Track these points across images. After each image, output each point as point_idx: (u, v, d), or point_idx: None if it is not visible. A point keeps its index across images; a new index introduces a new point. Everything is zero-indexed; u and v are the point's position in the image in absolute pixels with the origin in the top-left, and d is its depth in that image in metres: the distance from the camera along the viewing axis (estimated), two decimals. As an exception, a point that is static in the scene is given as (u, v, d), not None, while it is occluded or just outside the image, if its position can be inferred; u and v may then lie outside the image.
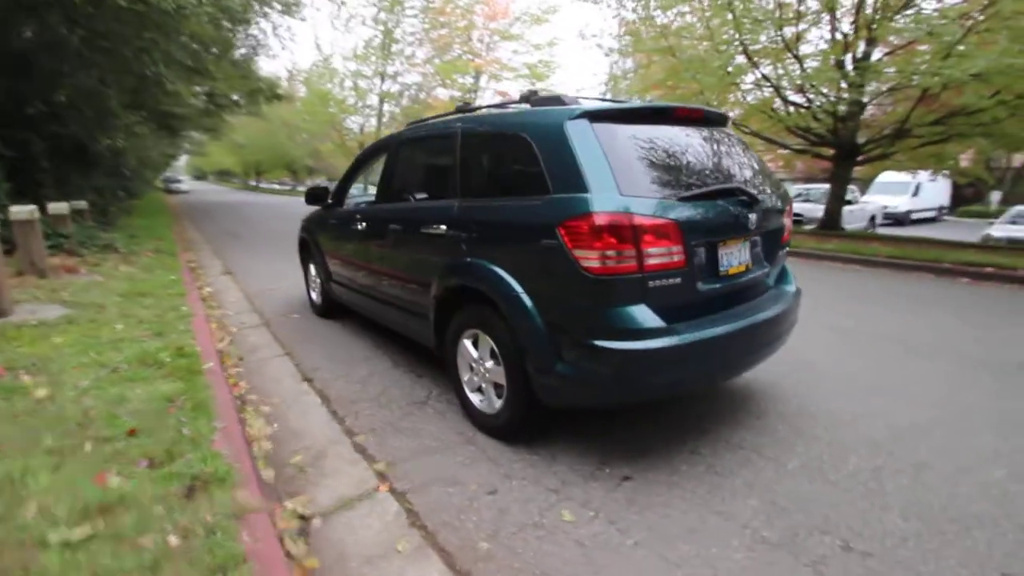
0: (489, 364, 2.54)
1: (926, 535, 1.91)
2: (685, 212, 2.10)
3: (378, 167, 3.92)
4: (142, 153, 15.52)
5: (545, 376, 2.21)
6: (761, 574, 1.73)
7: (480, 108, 3.06)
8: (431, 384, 3.31)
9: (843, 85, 9.61)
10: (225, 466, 2.08)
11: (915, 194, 18.53)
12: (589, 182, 2.02)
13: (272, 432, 2.69)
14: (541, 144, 2.23)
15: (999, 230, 10.98)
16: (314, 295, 5.03)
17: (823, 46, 10.09)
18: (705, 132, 2.48)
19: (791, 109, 10.81)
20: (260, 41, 15.25)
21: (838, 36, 9.81)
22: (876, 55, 9.97)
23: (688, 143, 2.37)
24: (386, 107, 26.41)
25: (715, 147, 2.46)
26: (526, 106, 2.66)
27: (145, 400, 2.67)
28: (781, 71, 10.48)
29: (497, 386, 2.55)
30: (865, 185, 19.14)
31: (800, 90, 10.55)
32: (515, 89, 21.89)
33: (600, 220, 1.96)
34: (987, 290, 6.21)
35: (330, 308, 4.75)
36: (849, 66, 9.61)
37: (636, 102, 2.32)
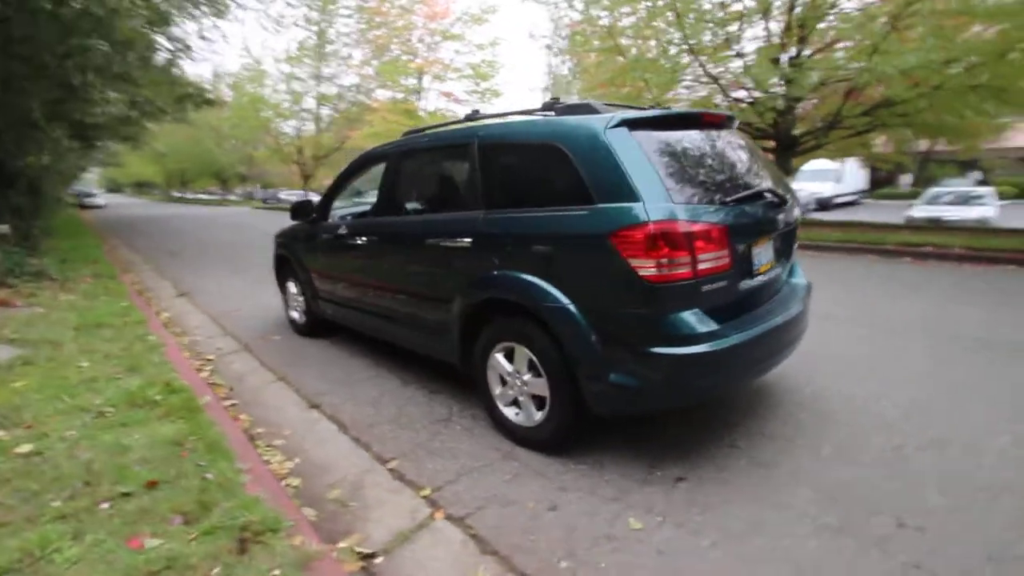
0: (527, 377, 2.50)
1: (965, 506, 2.05)
2: (729, 216, 2.14)
3: (368, 179, 3.77)
4: (60, 167, 14.11)
5: (598, 386, 2.20)
6: (837, 560, 1.80)
7: (489, 117, 3.00)
8: (449, 400, 3.21)
9: (776, 81, 10.21)
10: (271, 512, 1.93)
11: (839, 180, 20.03)
12: (639, 190, 2.02)
13: (295, 467, 2.52)
14: (579, 153, 2.21)
15: (920, 211, 12.06)
16: (295, 314, 4.76)
17: (762, 44, 10.67)
18: (723, 135, 2.55)
19: (733, 105, 11.37)
20: (186, 44, 14.28)
21: (774, 37, 10.40)
22: (810, 53, 10.64)
23: (713, 147, 2.42)
24: (325, 110, 25.48)
25: (734, 149, 2.53)
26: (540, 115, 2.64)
27: (149, 446, 2.42)
28: (722, 68, 11.01)
29: (536, 398, 2.51)
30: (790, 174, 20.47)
31: (742, 87, 11.13)
32: (460, 90, 21.73)
33: (656, 228, 1.96)
34: (930, 269, 6.81)
35: (316, 327, 4.52)
36: (785, 63, 10.25)
37: (663, 110, 2.33)
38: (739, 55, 10.34)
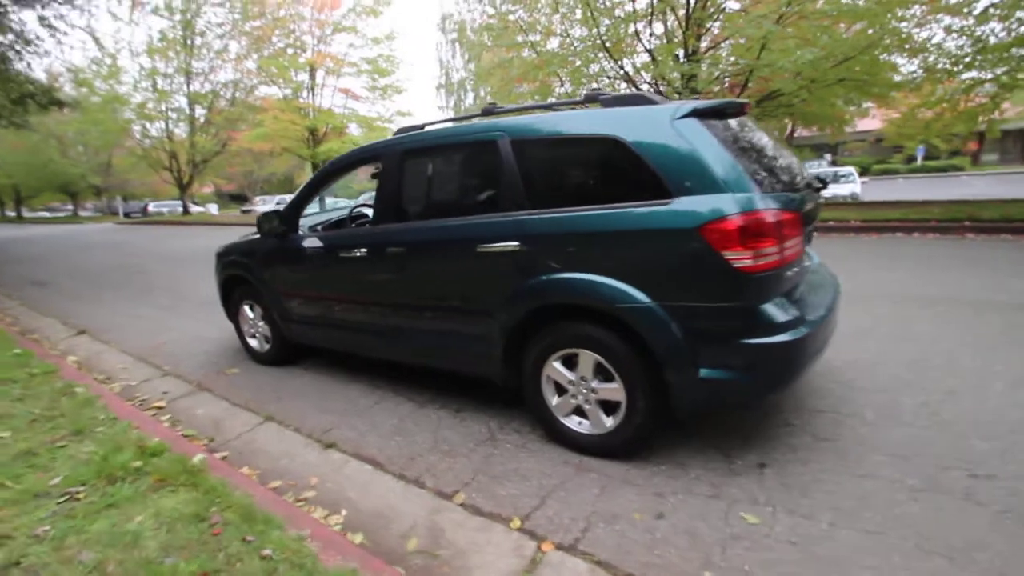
0: (595, 383, 2.37)
1: (1011, 448, 2.29)
2: (795, 202, 2.17)
3: (347, 183, 3.35)
4: None
5: (687, 384, 2.13)
6: (947, 520, 1.90)
7: (508, 112, 2.79)
8: (481, 417, 2.97)
9: (677, 76, 10.93)
10: (379, 583, 1.62)
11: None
12: (725, 181, 1.98)
13: (347, 520, 2.17)
14: (647, 146, 2.11)
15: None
16: (254, 342, 4.15)
17: (664, 41, 11.34)
18: (750, 123, 2.59)
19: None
20: (24, 35, 11.95)
21: (675, 34, 11.09)
22: (706, 49, 11.50)
23: (754, 135, 2.45)
24: (200, 110, 22.83)
25: (762, 135, 2.58)
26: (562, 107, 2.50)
27: (165, 528, 1.94)
28: (630, 64, 11.56)
29: (605, 404, 2.40)
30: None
31: (647, 82, 11.76)
32: (358, 86, 20.61)
33: (749, 218, 1.93)
34: (836, 241, 7.70)
35: (285, 354, 3.98)
36: (683, 60, 10.99)
37: (722, 101, 2.30)
38: (648, 51, 10.87)
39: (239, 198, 44.56)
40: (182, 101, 22.55)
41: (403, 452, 2.67)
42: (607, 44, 10.81)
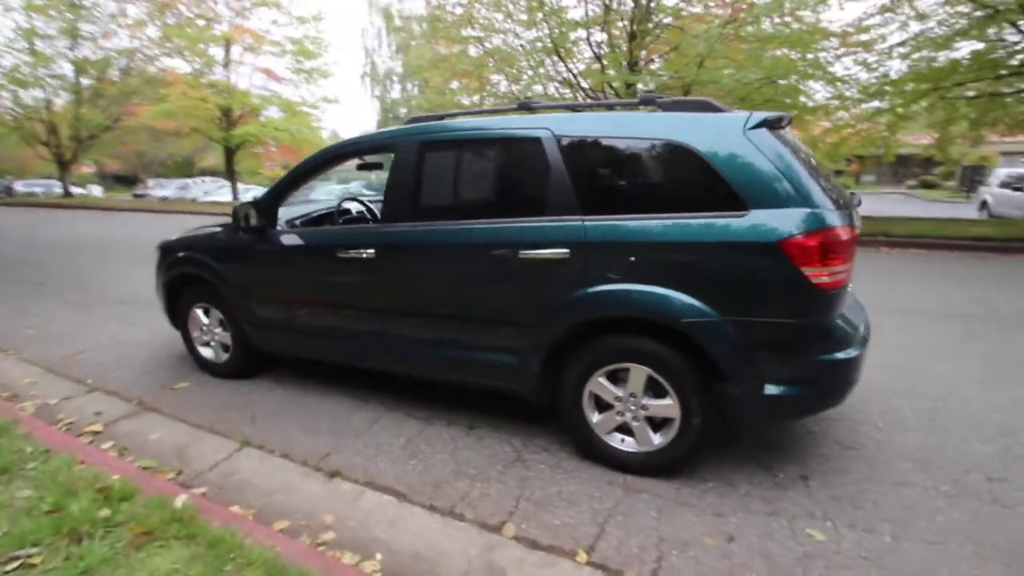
0: (646, 400, 2.26)
1: (1008, 451, 2.49)
2: (854, 220, 2.19)
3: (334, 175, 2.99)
4: None
5: (751, 400, 2.08)
6: (985, 523, 2.01)
7: (547, 107, 2.59)
8: (499, 435, 2.76)
9: (619, 84, 11.24)
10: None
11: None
12: (801, 195, 1.94)
13: (385, 565, 1.88)
14: (719, 154, 2.03)
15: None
16: (207, 352, 3.60)
17: (609, 50, 11.59)
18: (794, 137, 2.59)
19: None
20: None
21: (621, 43, 11.38)
22: (647, 61, 11.91)
23: (804, 149, 2.44)
24: (88, 80, 19.96)
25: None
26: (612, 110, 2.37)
27: (172, 598, 1.55)
28: (576, 69, 11.70)
29: (653, 421, 2.30)
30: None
31: (592, 88, 11.97)
32: (282, 67, 19.10)
33: (830, 234, 1.91)
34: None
35: (249, 365, 3.49)
36: (625, 68, 11.32)
37: (783, 113, 2.26)
38: (597, 57, 11.06)
39: (127, 180, 39.74)
40: (67, 68, 19.58)
41: (425, 479, 2.40)
42: (558, 48, 10.84)
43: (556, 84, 12.49)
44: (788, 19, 10.28)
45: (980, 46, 9.48)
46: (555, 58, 11.21)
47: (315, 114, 20.41)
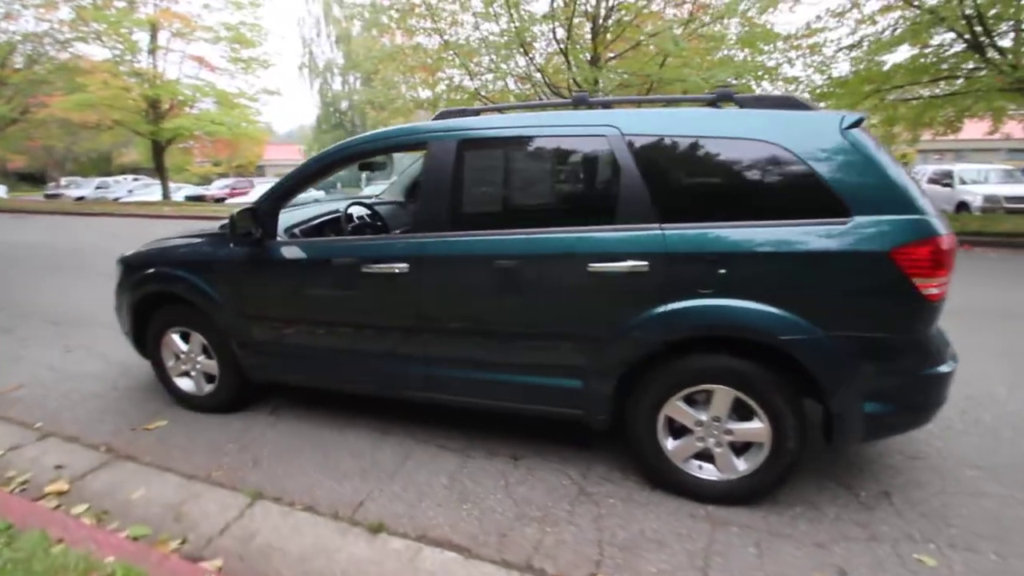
0: (731, 423, 2.08)
1: (1057, 451, 2.52)
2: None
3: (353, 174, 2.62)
4: None
5: (851, 419, 1.95)
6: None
7: (607, 101, 2.34)
8: (548, 464, 2.50)
9: (582, 80, 11.19)
10: None
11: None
12: (910, 200, 1.81)
13: (474, 644, 1.59)
14: (817, 157, 1.87)
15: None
16: (186, 383, 3.10)
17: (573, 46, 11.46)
18: None
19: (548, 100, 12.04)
20: None
21: (586, 40, 11.30)
22: (612, 57, 11.91)
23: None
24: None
25: None
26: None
27: None
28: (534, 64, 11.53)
29: (735, 446, 2.12)
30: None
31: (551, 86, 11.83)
32: (216, 55, 17.67)
33: (940, 243, 1.80)
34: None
35: (240, 395, 3.03)
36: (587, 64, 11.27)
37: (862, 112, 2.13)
38: (562, 52, 10.92)
39: (35, 179, 35.87)
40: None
41: (486, 527, 2.10)
42: (523, 42, 10.61)
43: (514, 79, 12.28)
44: (743, 21, 10.58)
45: (917, 50, 10.12)
46: (519, 51, 10.96)
47: (254, 107, 19.11)
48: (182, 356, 3.06)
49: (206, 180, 30.62)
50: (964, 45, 9.23)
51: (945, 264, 1.83)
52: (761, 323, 1.91)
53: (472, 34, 11.40)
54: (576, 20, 10.86)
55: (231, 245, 2.73)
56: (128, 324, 3.16)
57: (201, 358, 3.03)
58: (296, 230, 2.91)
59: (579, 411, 2.30)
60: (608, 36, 11.34)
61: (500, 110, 2.53)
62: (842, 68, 10.58)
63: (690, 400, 2.13)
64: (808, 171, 1.88)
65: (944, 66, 10.05)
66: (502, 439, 2.71)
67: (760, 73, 10.91)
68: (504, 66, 11.49)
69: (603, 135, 2.10)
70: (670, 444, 2.19)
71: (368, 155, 2.62)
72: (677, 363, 2.08)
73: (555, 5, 10.87)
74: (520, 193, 2.37)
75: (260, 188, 23.88)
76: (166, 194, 20.14)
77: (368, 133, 2.64)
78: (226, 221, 2.95)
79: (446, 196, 2.31)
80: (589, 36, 11.28)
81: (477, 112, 2.45)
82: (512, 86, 12.61)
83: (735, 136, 2.00)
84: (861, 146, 1.86)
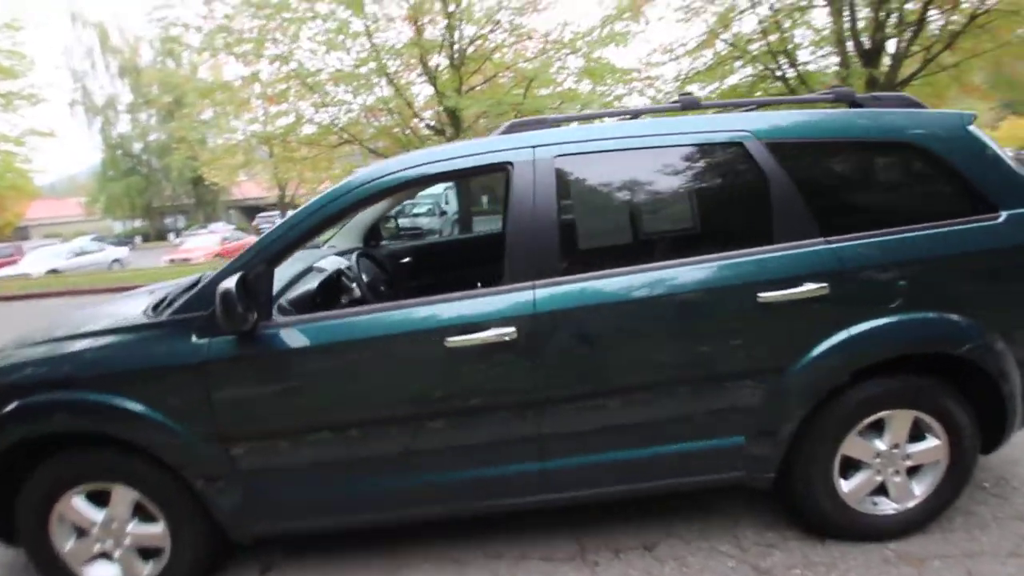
0: (910, 448, 1.89)
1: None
2: None
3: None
4: None
5: (1017, 418, 1.89)
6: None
7: (718, 105, 2.01)
8: (693, 542, 2.03)
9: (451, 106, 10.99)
10: None
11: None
12: None
13: None
14: (957, 155, 1.81)
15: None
16: (108, 570, 1.91)
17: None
18: None
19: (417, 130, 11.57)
20: None
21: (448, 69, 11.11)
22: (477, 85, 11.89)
23: None
24: None
25: None
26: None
27: None
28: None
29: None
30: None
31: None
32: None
33: None
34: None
35: (210, 562, 1.98)
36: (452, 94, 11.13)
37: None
38: (431, 82, 10.59)
39: None
40: None
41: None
42: (386, 73, 10.03)
43: (370, 113, 11.58)
44: (585, 56, 11.48)
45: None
46: (383, 81, 10.35)
47: (21, 152, 14.95)
48: (94, 530, 1.88)
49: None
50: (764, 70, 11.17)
51: None
52: (953, 334, 1.77)
53: (318, 63, 10.44)
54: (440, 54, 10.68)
55: (194, 339, 1.75)
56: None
57: (132, 524, 1.89)
58: (283, 301, 2.01)
59: (739, 473, 1.90)
60: (466, 68, 11.34)
61: (589, 119, 2.06)
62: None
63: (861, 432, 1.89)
64: (952, 170, 1.82)
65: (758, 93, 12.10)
66: (602, 531, 2.15)
67: (605, 102, 11.91)
68: (359, 98, 10.75)
69: (738, 141, 1.79)
70: (845, 486, 1.92)
71: (406, 187, 1.92)
72: (855, 392, 1.83)
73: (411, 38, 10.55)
74: (649, 218, 1.91)
75: (33, 256, 18.55)
76: None
77: (405, 156, 1.94)
78: (161, 301, 1.98)
79: (552, 232, 1.75)
80: (450, 68, 11.13)
81: (556, 123, 1.94)
82: (365, 119, 11.84)
83: (872, 139, 1.88)
84: (985, 141, 1.87)
